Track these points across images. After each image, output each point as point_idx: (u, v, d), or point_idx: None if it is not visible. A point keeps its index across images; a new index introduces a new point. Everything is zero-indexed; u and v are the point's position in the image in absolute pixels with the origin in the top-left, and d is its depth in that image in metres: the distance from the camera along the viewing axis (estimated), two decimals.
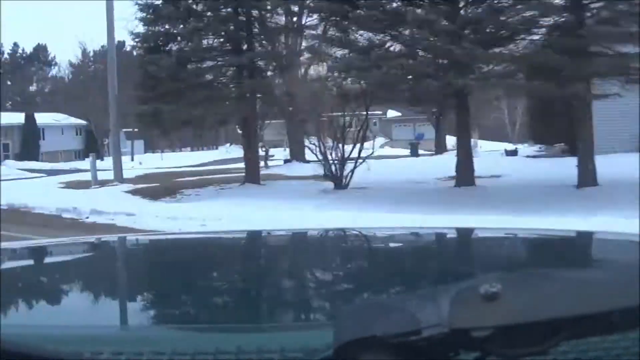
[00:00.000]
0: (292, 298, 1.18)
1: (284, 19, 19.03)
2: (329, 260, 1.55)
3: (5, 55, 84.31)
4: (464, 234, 1.95)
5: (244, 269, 1.45)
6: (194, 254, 1.60)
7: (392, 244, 1.80)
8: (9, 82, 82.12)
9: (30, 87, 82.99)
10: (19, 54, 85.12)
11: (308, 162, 30.63)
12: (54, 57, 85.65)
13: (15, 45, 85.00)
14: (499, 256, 1.61)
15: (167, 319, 1.04)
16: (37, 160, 51.75)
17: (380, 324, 0.62)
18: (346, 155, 17.18)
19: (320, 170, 17.79)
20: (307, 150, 21.35)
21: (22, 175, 36.05)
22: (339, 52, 16.36)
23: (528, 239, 1.73)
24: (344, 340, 0.62)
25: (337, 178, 17.17)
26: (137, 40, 18.29)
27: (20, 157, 52.13)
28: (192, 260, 1.48)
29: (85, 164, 45.10)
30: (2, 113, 57.07)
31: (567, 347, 0.69)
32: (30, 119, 55.73)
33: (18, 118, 55.80)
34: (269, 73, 19.17)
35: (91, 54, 68.20)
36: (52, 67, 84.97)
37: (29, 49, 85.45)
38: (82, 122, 57.61)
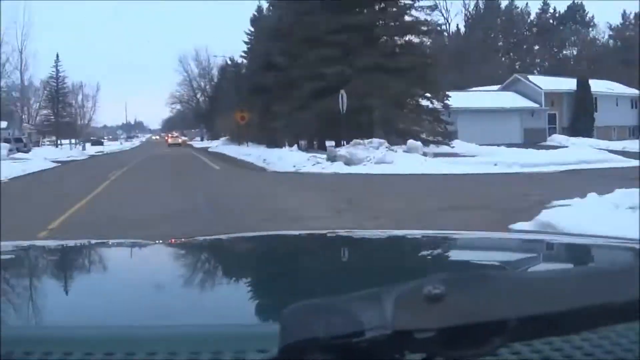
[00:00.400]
0: (246, 297, 1.20)
1: None
2: (282, 262, 1.58)
3: (532, 16, 76.06)
4: (417, 237, 1.98)
5: (200, 270, 1.47)
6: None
7: (342, 247, 1.84)
8: (536, 47, 73.90)
9: (564, 51, 72.75)
10: (549, 14, 75.99)
11: None
12: (592, 17, 74.33)
13: (545, 4, 76.03)
14: (445, 258, 1.65)
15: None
16: (590, 136, 40.58)
17: (323, 325, 0.62)
18: None
19: None
20: None
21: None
22: None
23: (474, 242, 1.82)
24: (287, 342, 0.63)
25: None
26: None
27: (570, 131, 41.71)
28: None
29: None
30: (541, 77, 47.33)
31: (515, 349, 0.71)
32: (583, 85, 44.37)
33: (567, 84, 44.89)
34: None
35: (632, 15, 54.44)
36: (591, 29, 73.51)
37: (561, 9, 75.59)
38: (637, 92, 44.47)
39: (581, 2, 75.85)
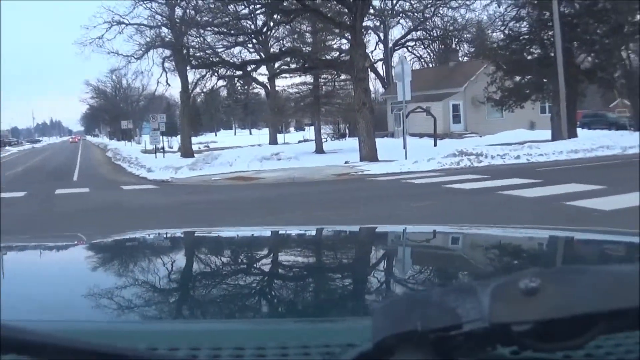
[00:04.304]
0: (330, 293, 1.19)
1: None
2: (365, 256, 1.60)
3: None
4: (498, 232, 1.95)
5: (286, 265, 1.45)
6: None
7: (425, 242, 1.83)
8: None
9: None
10: None
11: None
12: None
13: None
14: (532, 253, 1.62)
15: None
16: None
17: (420, 318, 0.62)
18: None
19: None
20: None
21: None
22: None
23: (560, 237, 1.77)
24: (383, 335, 0.63)
25: None
26: None
27: None
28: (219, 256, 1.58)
29: None
30: None
31: (601, 341, 0.70)
32: None
33: None
34: None
35: None
36: None
37: None
38: None
39: None
